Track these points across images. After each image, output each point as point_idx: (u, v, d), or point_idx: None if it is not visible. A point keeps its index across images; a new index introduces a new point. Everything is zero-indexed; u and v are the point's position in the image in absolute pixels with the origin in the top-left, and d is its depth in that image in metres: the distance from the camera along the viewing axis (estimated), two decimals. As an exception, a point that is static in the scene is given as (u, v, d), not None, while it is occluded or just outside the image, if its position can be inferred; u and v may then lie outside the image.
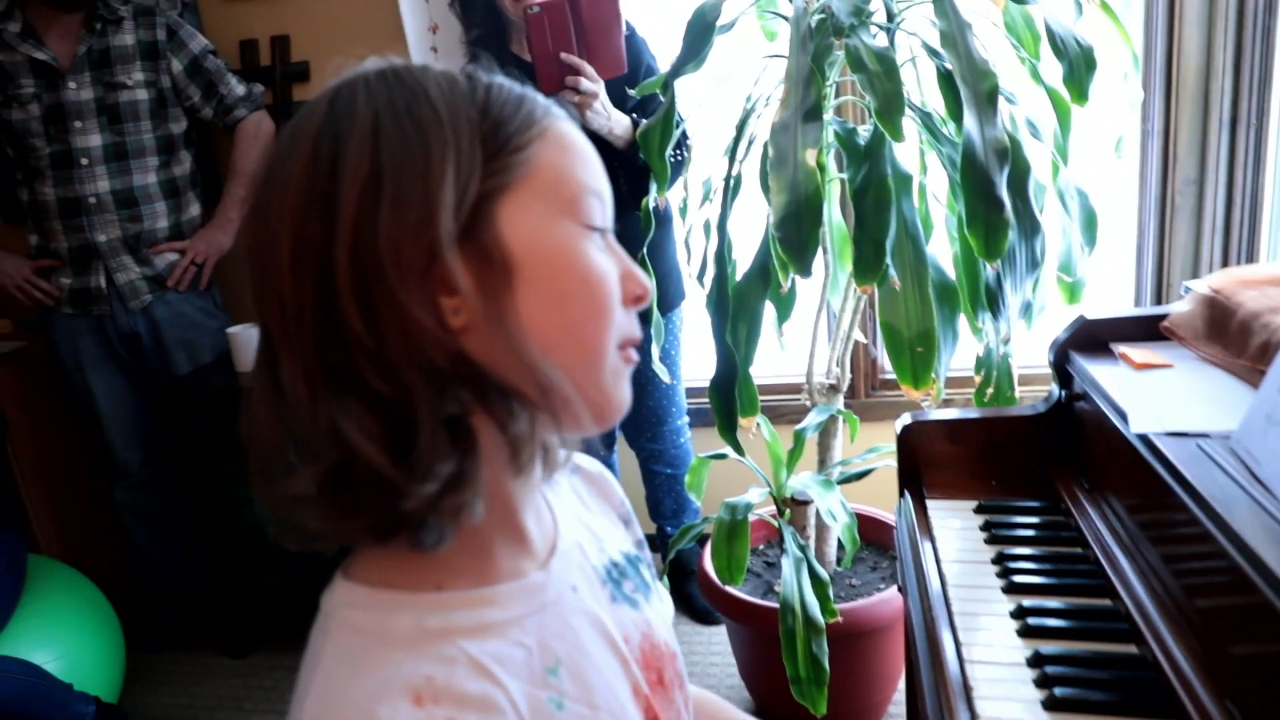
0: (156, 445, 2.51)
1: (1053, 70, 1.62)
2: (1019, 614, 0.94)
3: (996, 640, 0.91)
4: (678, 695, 0.71)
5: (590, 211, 0.59)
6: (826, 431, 1.91)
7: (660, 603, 0.75)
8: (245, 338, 2.38)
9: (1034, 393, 1.99)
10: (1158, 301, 2.35)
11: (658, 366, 1.94)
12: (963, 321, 1.63)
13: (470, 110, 0.56)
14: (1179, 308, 1.20)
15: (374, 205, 0.52)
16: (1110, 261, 2.48)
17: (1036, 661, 0.86)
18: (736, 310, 1.60)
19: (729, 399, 1.62)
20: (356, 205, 0.52)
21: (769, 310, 1.69)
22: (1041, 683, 0.84)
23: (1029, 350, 1.87)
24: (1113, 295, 2.50)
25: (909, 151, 1.66)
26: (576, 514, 0.72)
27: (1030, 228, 1.47)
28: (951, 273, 1.63)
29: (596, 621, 0.64)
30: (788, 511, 1.88)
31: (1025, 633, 0.91)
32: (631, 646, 0.66)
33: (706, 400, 1.69)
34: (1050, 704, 0.81)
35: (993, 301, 1.54)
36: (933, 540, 1.10)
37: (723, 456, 1.87)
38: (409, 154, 0.53)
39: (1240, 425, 0.87)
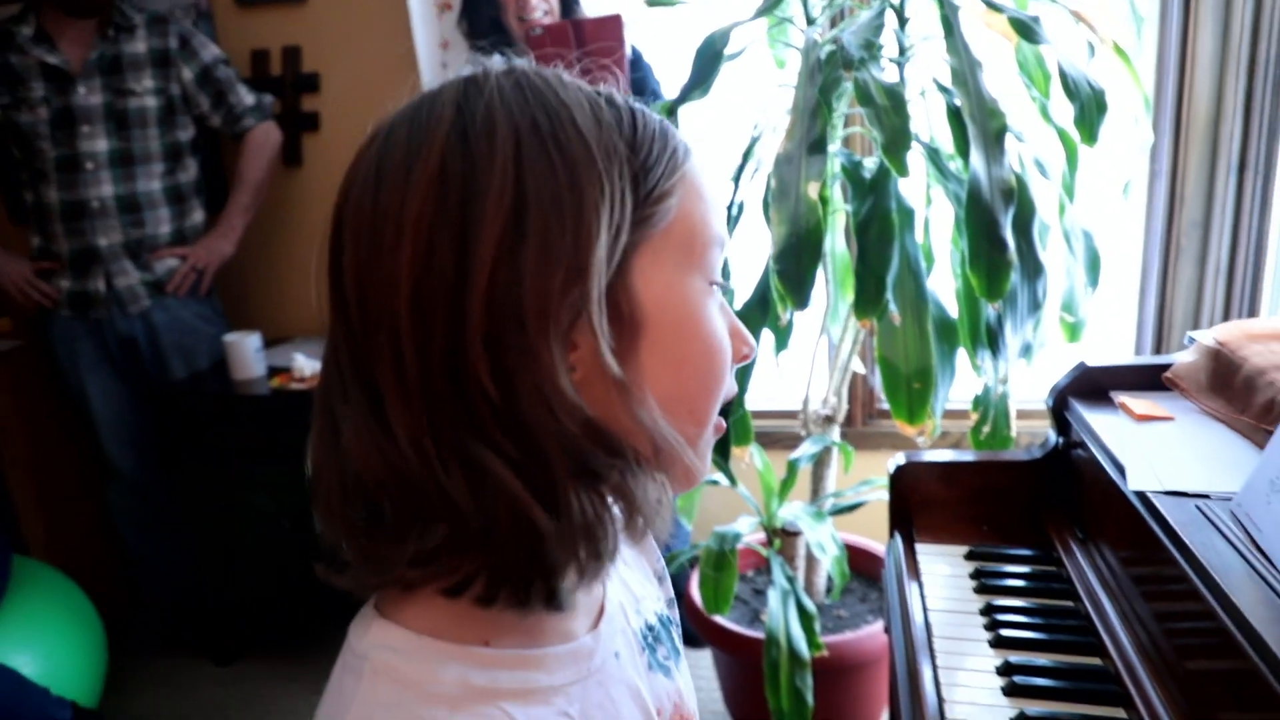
0: (150, 450, 2.51)
1: (1063, 110, 1.61)
2: (1005, 670, 0.92)
3: (980, 697, 0.89)
4: None
5: (715, 265, 0.55)
6: (820, 462, 1.89)
7: (686, 668, 0.71)
8: (242, 345, 2.37)
9: (1031, 428, 1.98)
10: (1158, 345, 2.34)
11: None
12: (961, 358, 1.62)
13: (619, 143, 0.50)
14: (1183, 358, 1.18)
15: (518, 246, 0.46)
16: (1113, 302, 2.47)
17: (1022, 721, 0.85)
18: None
19: (724, 429, 1.61)
20: (497, 244, 0.46)
21: (767, 339, 1.68)
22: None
23: (1028, 386, 1.85)
24: (1114, 336, 2.49)
25: (915, 185, 1.65)
26: (618, 571, 0.68)
27: (1033, 269, 1.46)
28: (952, 309, 1.62)
29: (635, 692, 0.60)
30: (777, 541, 1.86)
31: (1011, 691, 0.89)
32: (664, 717, 0.63)
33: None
34: (1034, 768, 0.79)
35: (993, 341, 1.52)
36: (920, 586, 1.08)
37: (715, 483, 1.85)
38: (557, 191, 0.47)
39: (1242, 489, 0.85)
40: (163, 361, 2.41)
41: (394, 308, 0.46)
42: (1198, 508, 0.85)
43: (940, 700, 0.88)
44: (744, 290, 1.66)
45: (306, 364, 2.36)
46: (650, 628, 0.67)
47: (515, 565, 0.49)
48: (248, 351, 2.39)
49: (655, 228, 0.51)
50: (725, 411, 1.55)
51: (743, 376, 1.58)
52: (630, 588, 0.68)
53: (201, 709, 2.40)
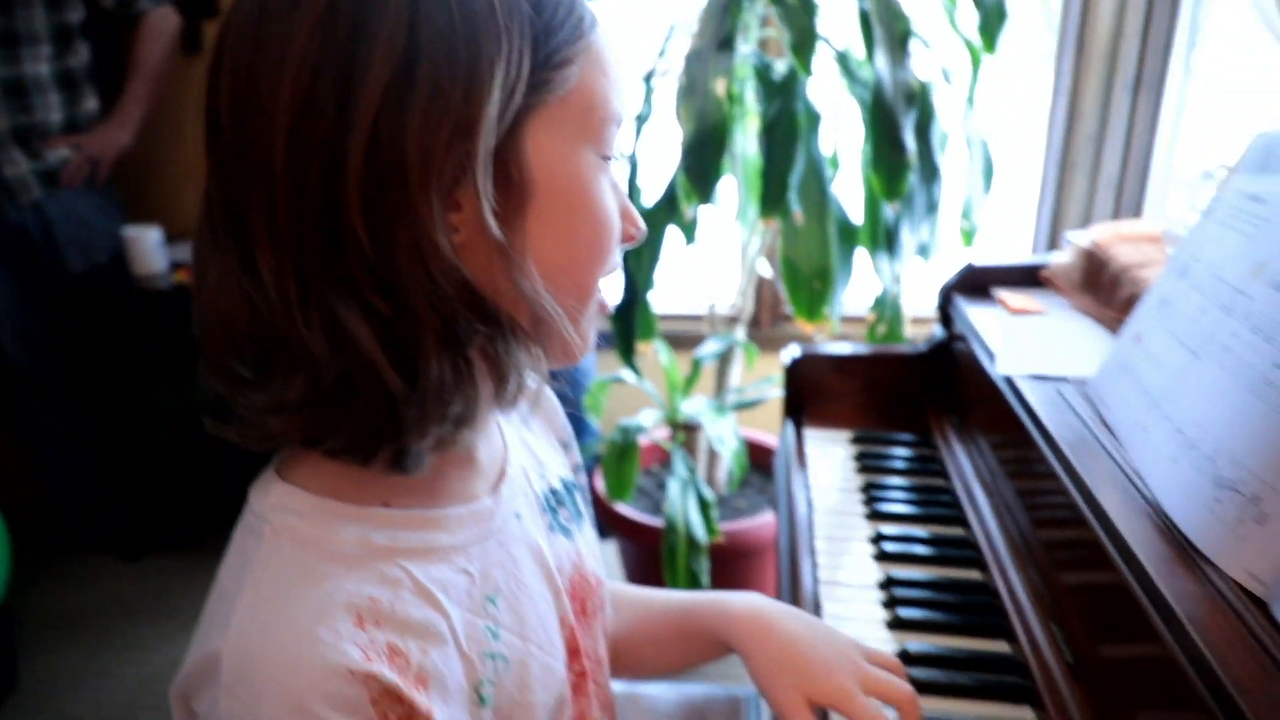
0: (48, 345, 2.43)
1: (969, 19, 1.64)
2: (877, 539, 0.99)
3: (854, 564, 0.96)
4: (597, 624, 0.71)
5: (610, 141, 0.54)
6: (725, 360, 1.94)
7: (590, 532, 0.75)
8: (143, 240, 2.29)
9: (927, 334, 2.07)
10: (1051, 251, 2.44)
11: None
12: (863, 267, 1.68)
13: (522, 1, 0.48)
14: (1060, 258, 1.25)
15: (405, 95, 0.45)
16: (1013, 212, 2.57)
17: (887, 584, 0.92)
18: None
19: (629, 322, 1.64)
20: (384, 90, 0.44)
21: (675, 237, 1.70)
22: (889, 604, 0.89)
23: (925, 298, 1.93)
24: (1012, 244, 2.59)
25: (825, 91, 1.67)
26: (521, 436, 0.70)
27: (930, 172, 1.51)
28: (856, 214, 1.67)
29: (536, 551, 0.63)
30: (680, 435, 1.92)
31: (880, 557, 0.96)
32: (564, 577, 0.66)
33: (608, 325, 1.70)
34: (893, 624, 0.87)
35: (890, 242, 1.58)
36: (807, 468, 1.14)
37: (620, 380, 1.89)
38: (453, 42, 0.45)
39: (1097, 372, 0.92)
40: (58, 255, 2.31)
41: (269, 149, 0.45)
42: (1057, 390, 0.92)
43: (815, 565, 0.95)
44: (653, 189, 1.67)
45: (208, 257, 2.30)
46: (554, 491, 0.69)
47: (366, 424, 0.49)
48: (149, 245, 2.32)
49: (553, 94, 0.50)
50: (629, 306, 1.57)
51: (646, 269, 1.60)
52: (534, 453, 0.70)
53: (110, 604, 2.39)
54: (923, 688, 0.78)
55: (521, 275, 0.50)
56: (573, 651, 0.65)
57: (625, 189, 0.58)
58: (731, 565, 1.83)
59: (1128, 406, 0.79)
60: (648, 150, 1.69)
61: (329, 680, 0.46)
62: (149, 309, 2.32)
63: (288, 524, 0.51)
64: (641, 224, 0.58)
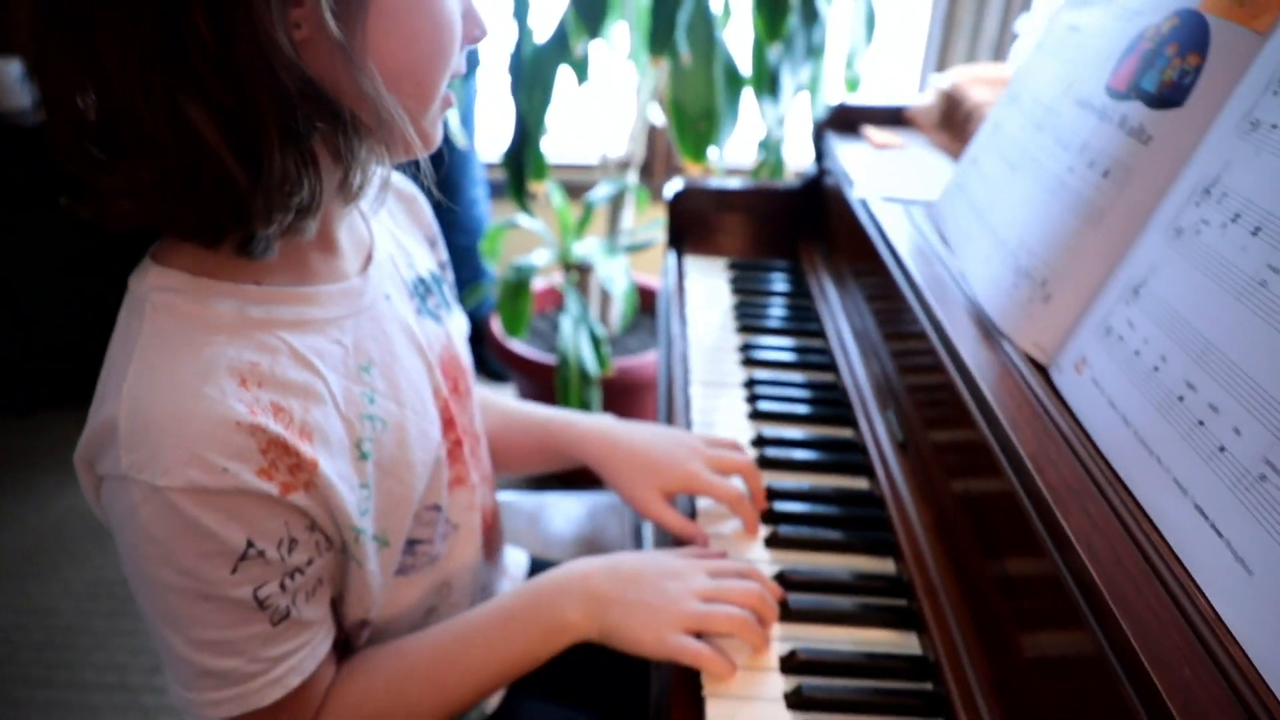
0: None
1: None
2: (744, 348, 1.09)
3: (725, 365, 1.06)
4: (470, 403, 0.80)
5: None
6: (617, 204, 2.00)
7: (459, 320, 0.82)
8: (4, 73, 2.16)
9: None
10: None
11: (455, 130, 1.94)
12: (746, 111, 1.73)
13: None
14: (922, 99, 1.34)
15: None
16: (902, 72, 2.66)
17: (750, 384, 1.02)
18: (532, 75, 1.62)
19: (520, 162, 1.67)
20: None
21: (567, 81, 1.72)
22: (751, 399, 1.00)
23: (807, 148, 2.01)
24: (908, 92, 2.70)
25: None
26: (389, 230, 0.76)
27: (810, 14, 1.56)
28: (744, 63, 1.71)
29: (406, 329, 0.69)
30: (573, 275, 1.99)
31: (746, 363, 1.07)
32: (434, 354, 0.73)
33: (502, 173, 1.73)
34: (753, 415, 0.98)
35: (772, 82, 1.64)
36: (685, 291, 1.23)
37: (515, 225, 1.93)
38: None
39: (940, 195, 1.01)
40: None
41: None
42: (906, 211, 1.02)
43: (688, 372, 1.05)
44: (544, 30, 1.67)
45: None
46: (421, 280, 0.76)
47: (212, 209, 0.52)
48: (6, 79, 2.19)
49: None
50: (520, 146, 1.59)
51: (538, 109, 1.63)
52: (403, 245, 0.76)
53: (6, 458, 2.37)
54: (771, 464, 0.90)
55: (362, 74, 0.52)
56: (448, 422, 0.73)
57: None
58: (622, 398, 1.94)
59: (959, 220, 0.89)
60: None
61: (218, 430, 0.52)
62: (13, 147, 2.19)
63: (167, 301, 0.55)
64: (484, 24, 0.61)
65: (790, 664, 0.66)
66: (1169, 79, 0.61)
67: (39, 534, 2.11)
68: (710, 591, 0.68)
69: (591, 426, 0.87)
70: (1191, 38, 0.60)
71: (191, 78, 0.48)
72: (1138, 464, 0.54)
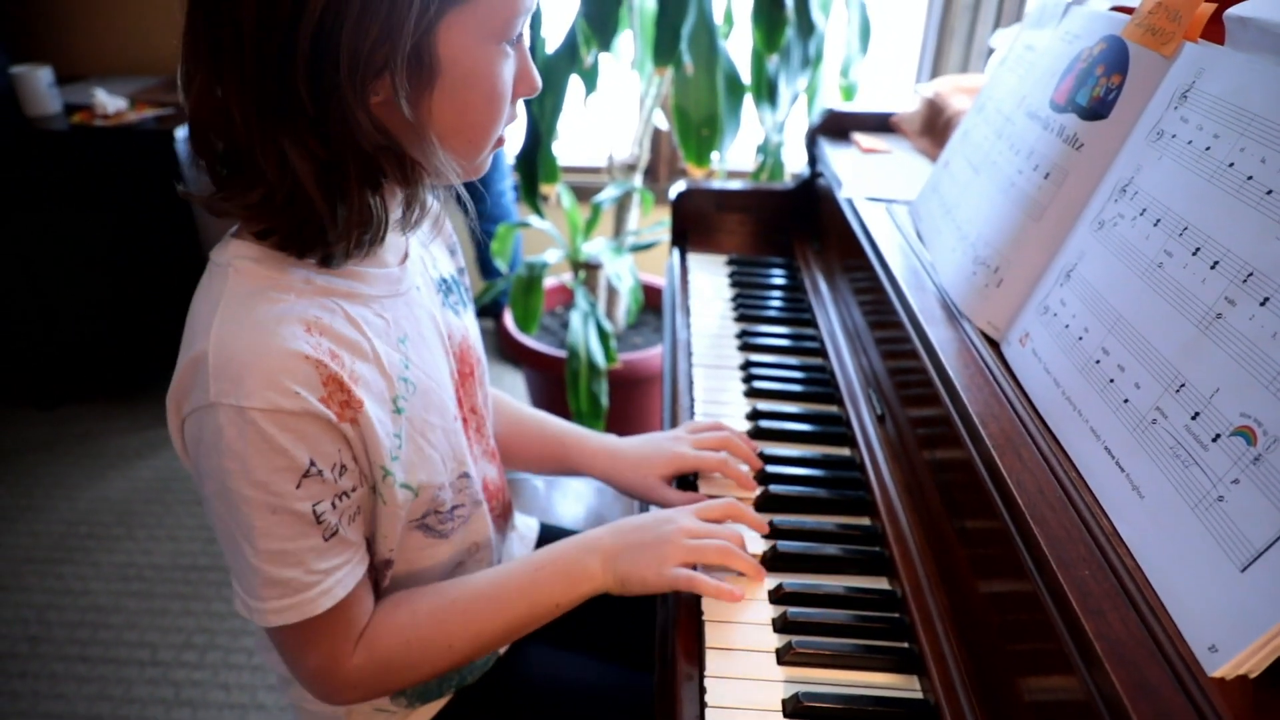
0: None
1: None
2: (742, 335, 1.20)
3: (721, 345, 1.17)
4: (479, 391, 0.92)
5: (515, 29, 0.68)
6: (623, 205, 2.11)
7: (474, 319, 0.95)
8: (33, 79, 2.27)
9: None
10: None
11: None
12: (747, 117, 1.84)
13: None
14: (908, 107, 1.44)
15: (342, 6, 0.57)
16: (898, 77, 2.76)
17: (746, 366, 1.13)
18: (544, 83, 1.73)
19: (533, 166, 1.78)
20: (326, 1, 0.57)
21: (577, 88, 1.83)
22: (747, 378, 1.11)
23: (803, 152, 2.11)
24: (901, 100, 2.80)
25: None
26: (417, 237, 0.88)
27: (807, 27, 1.67)
28: (744, 70, 1.82)
29: (431, 316, 0.82)
30: (582, 273, 2.09)
31: (744, 347, 1.18)
32: (453, 342, 0.86)
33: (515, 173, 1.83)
34: (749, 393, 1.09)
35: (771, 90, 1.74)
36: (690, 285, 1.34)
37: (526, 225, 2.04)
38: None
39: (917, 195, 1.12)
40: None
41: (240, 18, 0.59)
42: (887, 209, 1.12)
43: (690, 356, 1.15)
44: (555, 38, 1.78)
45: (109, 100, 2.30)
46: (444, 280, 0.90)
47: (302, 232, 0.66)
48: (39, 85, 2.29)
49: (465, 2, 0.63)
50: (533, 150, 1.70)
51: (550, 115, 1.73)
52: (429, 249, 0.90)
53: (32, 448, 2.47)
54: (764, 435, 1.01)
55: (423, 135, 0.66)
56: (459, 402, 0.85)
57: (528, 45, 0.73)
58: (628, 391, 2.05)
59: (932, 217, 1.00)
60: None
61: (290, 360, 0.64)
62: (45, 151, 2.30)
63: (246, 266, 0.68)
64: (537, 82, 0.73)
65: (777, 595, 0.77)
66: (1097, 95, 0.72)
67: (69, 521, 2.22)
68: (699, 531, 0.80)
69: (600, 444, 1.02)
70: (1115, 60, 0.71)
71: (293, 132, 0.62)
72: (1064, 417, 0.64)
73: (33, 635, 1.89)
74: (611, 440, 1.02)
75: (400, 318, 0.76)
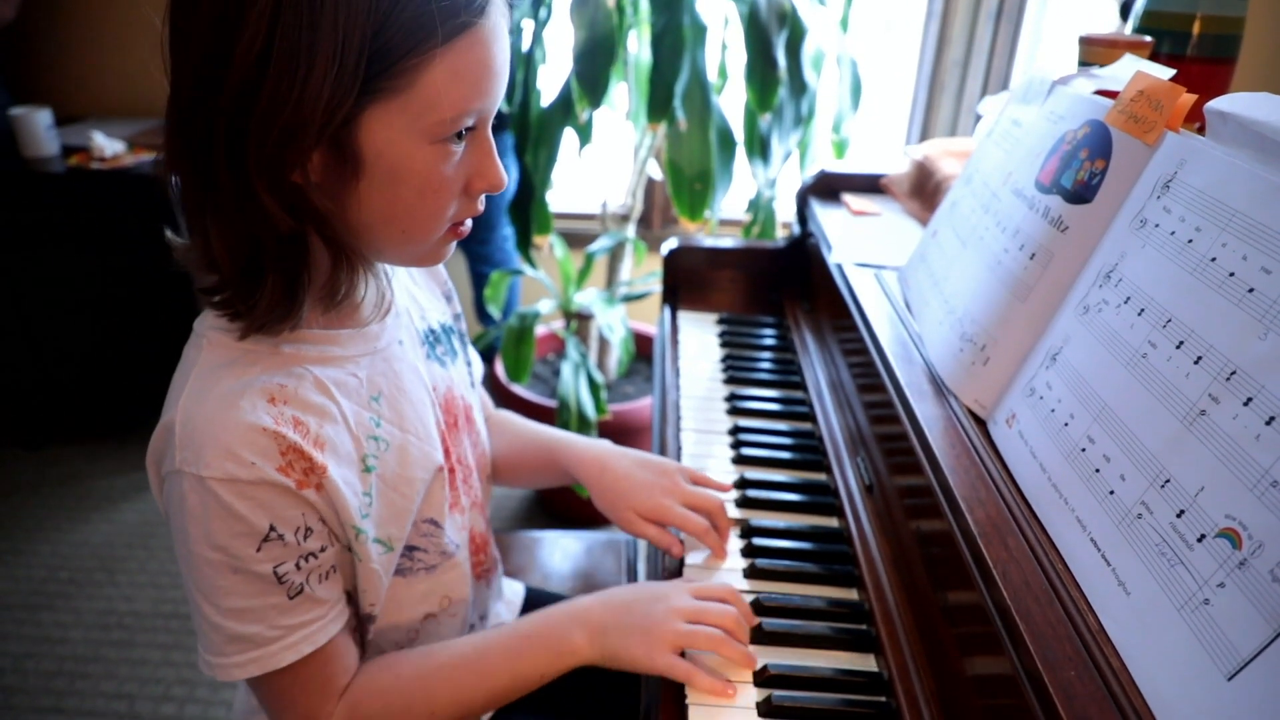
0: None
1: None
2: (731, 398, 1.19)
3: (713, 419, 1.17)
4: (464, 437, 0.92)
5: (451, 129, 0.64)
6: (615, 255, 2.11)
7: (464, 365, 0.96)
8: (31, 120, 2.28)
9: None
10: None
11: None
12: (740, 169, 1.85)
13: (367, 25, 0.57)
14: (898, 169, 1.45)
15: (257, 85, 0.57)
16: (888, 131, 2.78)
17: (734, 431, 1.12)
18: (538, 135, 1.75)
19: (526, 217, 1.79)
20: (242, 74, 0.57)
21: (570, 140, 1.84)
22: (735, 445, 1.10)
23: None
24: (890, 160, 2.83)
25: (714, 7, 1.82)
26: (407, 286, 0.89)
27: (799, 87, 1.69)
28: (737, 125, 1.84)
29: (414, 370, 0.82)
30: (574, 324, 2.10)
31: (732, 411, 1.17)
32: (438, 394, 0.86)
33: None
34: (738, 460, 1.08)
35: (763, 149, 1.76)
36: (679, 344, 1.33)
37: (519, 273, 2.04)
38: (295, 56, 0.56)
39: (906, 262, 1.12)
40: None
41: (180, 84, 0.61)
42: (876, 275, 1.13)
43: (679, 419, 1.15)
44: (549, 93, 1.80)
45: (107, 144, 2.31)
46: (431, 330, 0.90)
47: (260, 318, 0.67)
48: (38, 127, 2.31)
49: (387, 92, 0.61)
50: (527, 202, 1.72)
51: (544, 168, 1.75)
52: (417, 300, 0.90)
53: (16, 489, 2.46)
54: (752, 504, 1.00)
55: (350, 222, 0.66)
56: (445, 452, 0.84)
57: (491, 147, 0.69)
58: (618, 441, 2.03)
59: (920, 287, 1.00)
60: (549, 51, 1.81)
61: (249, 433, 0.65)
62: (41, 192, 2.32)
63: (217, 337, 0.70)
64: (500, 178, 0.70)
65: (762, 677, 0.76)
66: (1081, 178, 0.72)
67: (50, 566, 2.19)
68: (693, 613, 0.78)
69: (588, 448, 1.01)
70: (1098, 145, 0.71)
71: (215, 207, 0.62)
72: (1050, 504, 0.64)
73: (6, 685, 1.86)
74: (605, 449, 1.01)
75: (376, 375, 0.77)
